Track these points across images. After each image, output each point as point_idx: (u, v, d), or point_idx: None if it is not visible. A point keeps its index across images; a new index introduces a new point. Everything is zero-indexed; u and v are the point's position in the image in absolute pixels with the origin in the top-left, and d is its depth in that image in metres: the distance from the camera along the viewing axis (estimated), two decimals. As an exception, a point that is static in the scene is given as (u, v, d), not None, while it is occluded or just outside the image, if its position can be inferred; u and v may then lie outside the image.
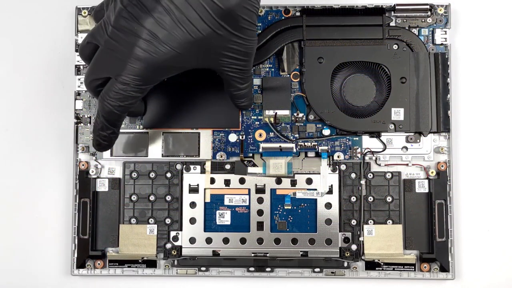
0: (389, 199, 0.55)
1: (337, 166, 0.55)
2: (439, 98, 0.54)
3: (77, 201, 0.55)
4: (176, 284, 0.56)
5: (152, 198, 0.55)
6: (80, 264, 0.55)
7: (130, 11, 0.43)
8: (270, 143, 0.55)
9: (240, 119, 0.55)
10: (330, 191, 0.55)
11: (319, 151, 0.55)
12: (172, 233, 0.55)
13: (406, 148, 0.55)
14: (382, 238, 0.54)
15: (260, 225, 0.55)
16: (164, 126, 0.55)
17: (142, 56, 0.43)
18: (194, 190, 0.55)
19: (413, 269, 0.54)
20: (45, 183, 0.57)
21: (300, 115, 0.55)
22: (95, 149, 0.49)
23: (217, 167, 0.55)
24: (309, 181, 0.55)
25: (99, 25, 0.46)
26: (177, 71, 0.46)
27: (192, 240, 0.55)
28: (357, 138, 0.55)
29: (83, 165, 0.55)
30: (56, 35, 0.58)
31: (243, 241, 0.55)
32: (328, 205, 0.55)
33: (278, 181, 0.55)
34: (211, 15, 0.43)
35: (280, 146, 0.55)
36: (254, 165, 0.55)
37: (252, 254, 0.55)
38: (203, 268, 0.55)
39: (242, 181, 0.55)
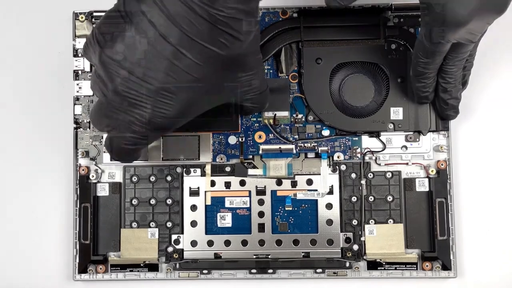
0: (389, 198, 0.55)
1: (337, 167, 0.55)
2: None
3: (78, 206, 0.55)
4: (178, 287, 0.56)
5: (152, 201, 0.55)
6: (82, 269, 0.55)
7: (130, 84, 0.40)
8: (270, 144, 0.55)
9: (240, 121, 0.55)
10: (330, 192, 0.55)
11: (319, 151, 0.55)
12: (174, 237, 0.55)
13: (406, 147, 0.55)
14: (384, 238, 0.54)
15: (261, 227, 0.55)
16: (163, 129, 0.55)
17: (151, 122, 0.41)
18: (194, 193, 0.55)
19: (415, 268, 0.54)
20: (45, 189, 0.57)
21: (299, 116, 0.55)
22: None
23: (217, 170, 0.55)
24: (309, 182, 0.55)
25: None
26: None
27: (194, 243, 0.55)
28: (356, 138, 0.55)
29: (83, 170, 0.55)
30: (54, 40, 0.58)
31: (244, 243, 0.55)
32: (329, 206, 0.55)
33: (279, 182, 0.55)
34: (214, 64, 0.41)
35: (280, 147, 0.55)
36: (254, 167, 0.55)
37: (254, 256, 0.54)
38: (205, 271, 0.55)
39: (242, 183, 0.55)
